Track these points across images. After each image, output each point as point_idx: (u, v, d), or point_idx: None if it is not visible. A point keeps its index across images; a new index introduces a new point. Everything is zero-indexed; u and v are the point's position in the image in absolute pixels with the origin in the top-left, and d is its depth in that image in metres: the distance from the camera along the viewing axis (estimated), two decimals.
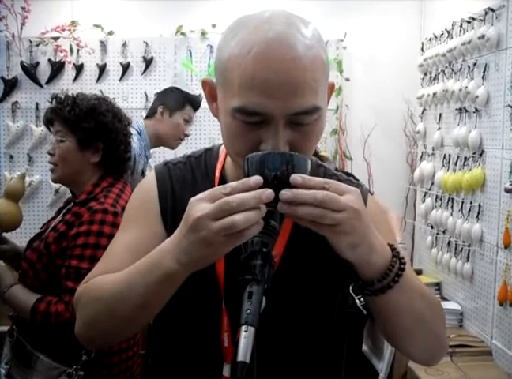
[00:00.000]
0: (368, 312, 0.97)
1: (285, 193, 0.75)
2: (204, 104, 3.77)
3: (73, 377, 1.60)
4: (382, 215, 1.04)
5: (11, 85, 3.78)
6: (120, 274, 0.89)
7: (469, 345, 2.79)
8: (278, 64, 0.80)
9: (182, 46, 3.87)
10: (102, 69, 3.83)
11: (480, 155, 2.85)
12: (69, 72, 3.83)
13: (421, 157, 3.70)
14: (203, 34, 3.84)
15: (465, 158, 3.00)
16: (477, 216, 2.87)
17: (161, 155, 3.85)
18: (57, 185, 3.73)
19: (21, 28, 3.69)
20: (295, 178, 0.76)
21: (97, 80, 3.84)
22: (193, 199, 0.77)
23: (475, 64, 2.92)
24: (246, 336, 0.70)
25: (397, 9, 3.93)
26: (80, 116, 1.74)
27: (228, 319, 0.94)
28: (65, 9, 3.81)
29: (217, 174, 1.01)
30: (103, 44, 3.82)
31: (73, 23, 3.78)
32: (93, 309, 0.92)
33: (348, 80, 3.87)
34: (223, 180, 1.00)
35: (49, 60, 3.79)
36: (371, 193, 1.08)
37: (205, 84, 0.94)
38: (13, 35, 3.71)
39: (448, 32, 3.25)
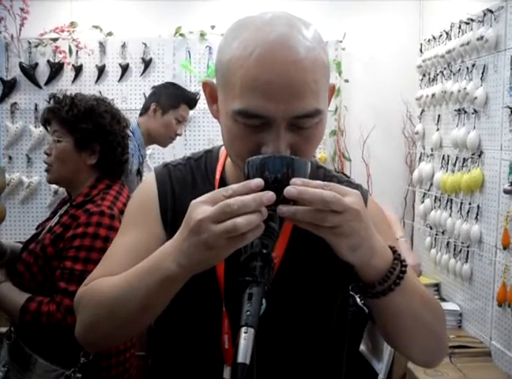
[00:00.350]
0: (369, 311, 0.97)
1: (289, 190, 0.75)
2: (203, 105, 3.77)
3: None
4: (383, 216, 1.03)
5: (10, 86, 3.78)
6: (120, 276, 0.89)
7: (468, 346, 2.79)
8: (280, 66, 0.80)
9: (181, 47, 3.87)
10: (101, 70, 3.83)
11: (479, 156, 2.85)
12: (68, 73, 3.83)
13: (420, 158, 3.70)
14: (202, 35, 3.85)
15: (464, 159, 3.00)
16: (476, 217, 2.87)
17: (160, 155, 3.85)
18: (56, 187, 3.73)
19: (20, 29, 3.69)
20: (296, 181, 0.76)
21: (96, 81, 3.84)
22: (194, 201, 0.77)
23: (473, 65, 2.92)
24: (246, 338, 0.70)
25: (396, 10, 3.94)
26: (78, 117, 1.72)
27: (229, 321, 0.94)
28: (64, 10, 3.81)
29: (217, 176, 1.00)
30: (102, 45, 3.82)
31: (72, 24, 3.78)
32: (93, 312, 0.91)
33: (346, 81, 3.87)
34: (223, 182, 1.00)
35: (48, 61, 3.79)
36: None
37: (206, 85, 0.93)
38: (12, 36, 3.71)
39: (447, 33, 3.26)
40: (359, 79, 3.94)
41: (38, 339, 1.64)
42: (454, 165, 3.11)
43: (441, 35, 3.35)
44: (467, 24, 2.99)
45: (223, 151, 1.04)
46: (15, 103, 3.80)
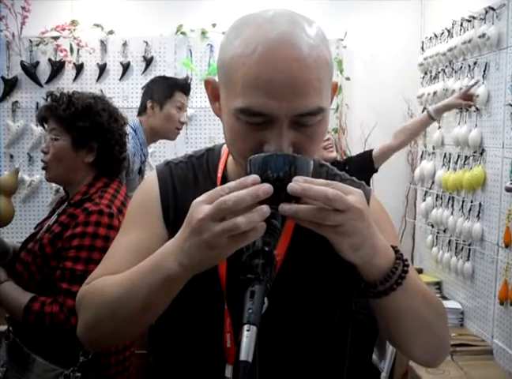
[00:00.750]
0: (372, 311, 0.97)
1: (293, 186, 0.74)
2: (205, 103, 3.78)
3: None
4: (385, 215, 1.03)
5: (11, 85, 3.78)
6: (122, 276, 0.89)
7: (470, 344, 2.79)
8: (283, 64, 0.79)
9: (183, 45, 3.87)
10: (102, 68, 3.83)
11: (481, 154, 2.85)
12: (69, 71, 3.82)
13: (421, 156, 3.70)
14: (203, 33, 3.84)
15: (466, 157, 3.00)
16: (478, 215, 2.87)
17: (161, 154, 3.85)
18: (57, 185, 3.72)
19: (21, 28, 3.69)
20: (298, 180, 0.75)
21: (97, 80, 3.84)
22: (195, 201, 0.77)
23: (475, 63, 2.92)
24: (248, 336, 0.69)
25: (398, 8, 3.93)
26: (76, 115, 1.71)
27: (231, 320, 0.93)
28: (66, 9, 3.81)
29: (219, 174, 1.00)
30: (103, 44, 3.82)
31: (73, 22, 3.78)
32: (95, 311, 0.91)
33: (348, 79, 3.87)
34: (225, 180, 0.99)
35: (49, 59, 3.79)
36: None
37: (208, 83, 0.93)
38: (13, 35, 3.71)
39: (448, 31, 3.25)
40: (361, 77, 3.93)
41: (37, 338, 1.63)
42: (456, 163, 3.11)
43: (442, 33, 3.35)
44: (468, 21, 2.98)
45: (224, 149, 1.03)
46: (16, 102, 3.80)
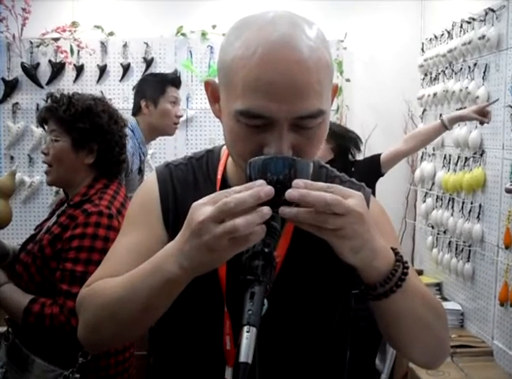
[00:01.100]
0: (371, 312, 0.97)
1: (291, 193, 0.74)
2: (205, 104, 3.78)
3: None
4: (385, 217, 1.03)
5: (12, 86, 3.78)
6: (122, 278, 0.89)
7: (470, 345, 2.79)
8: (283, 66, 0.79)
9: (183, 46, 3.87)
10: (102, 69, 3.83)
11: (481, 155, 2.85)
12: (69, 73, 3.83)
13: (422, 157, 3.70)
14: (203, 35, 3.85)
15: (466, 158, 3.00)
16: (478, 216, 2.87)
17: (161, 155, 3.85)
18: (58, 187, 3.73)
19: (22, 29, 3.70)
20: (297, 183, 0.75)
21: (98, 81, 3.84)
22: (195, 203, 0.76)
23: (475, 64, 2.92)
24: (248, 337, 0.69)
25: (398, 10, 3.93)
26: (76, 116, 1.71)
27: (230, 322, 0.93)
28: (66, 10, 3.81)
29: (219, 176, 1.00)
30: (103, 45, 3.83)
31: (74, 24, 3.78)
32: (95, 313, 0.91)
33: (348, 80, 3.87)
34: (224, 182, 0.99)
35: (49, 61, 3.79)
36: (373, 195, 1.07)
37: (208, 84, 0.93)
38: (14, 36, 3.71)
39: (448, 33, 3.26)
40: (361, 78, 3.93)
41: (36, 339, 1.63)
42: (456, 164, 3.11)
43: (442, 35, 3.35)
44: (468, 23, 2.99)
45: (224, 151, 1.03)
46: (17, 103, 3.80)
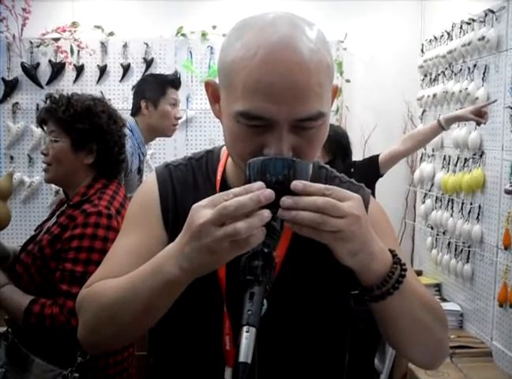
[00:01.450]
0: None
1: (286, 200, 0.75)
2: (205, 105, 3.78)
3: None
4: (384, 218, 1.03)
5: (12, 86, 3.78)
6: (122, 279, 0.89)
7: (469, 346, 2.79)
8: (284, 68, 0.79)
9: (183, 47, 3.87)
10: (102, 70, 3.83)
11: (480, 156, 2.85)
12: (69, 73, 3.83)
13: (421, 158, 3.70)
14: (203, 35, 3.85)
15: (465, 159, 3.00)
16: (477, 217, 2.87)
17: (161, 156, 3.85)
18: (57, 187, 3.73)
19: (22, 29, 3.70)
20: (296, 184, 0.76)
21: (98, 81, 3.84)
22: (195, 205, 0.77)
23: (475, 65, 2.92)
24: (247, 337, 0.69)
25: (397, 11, 3.94)
26: (75, 117, 1.71)
27: (230, 322, 0.93)
28: (66, 10, 3.81)
29: (219, 177, 1.00)
30: (103, 45, 3.83)
31: (74, 24, 3.78)
32: (96, 314, 0.91)
33: (348, 81, 3.87)
34: (224, 182, 0.99)
35: (49, 61, 3.79)
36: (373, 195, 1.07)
37: (208, 85, 0.93)
38: (14, 36, 3.71)
39: (448, 34, 3.26)
40: (361, 79, 3.94)
41: (35, 339, 1.63)
42: (455, 165, 3.11)
43: (442, 36, 3.35)
44: (468, 24, 2.99)
45: (224, 152, 1.03)
46: (16, 103, 3.80)
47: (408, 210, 3.96)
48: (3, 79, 3.77)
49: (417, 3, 3.92)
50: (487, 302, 2.81)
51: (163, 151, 3.85)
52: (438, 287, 3.39)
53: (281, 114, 0.80)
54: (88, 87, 3.77)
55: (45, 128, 1.80)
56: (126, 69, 3.84)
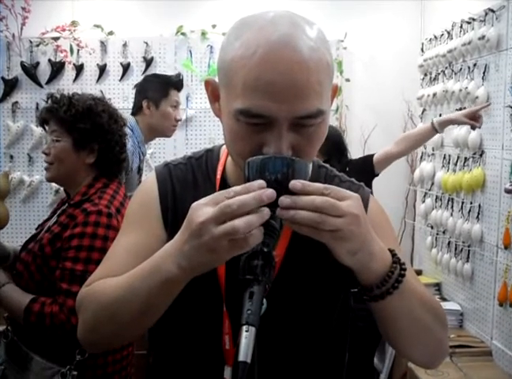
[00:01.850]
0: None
1: (284, 200, 0.75)
2: (205, 104, 3.78)
3: (66, 377, 1.59)
4: (384, 216, 1.03)
5: (11, 85, 3.78)
6: (122, 278, 0.89)
7: (469, 345, 2.79)
8: (283, 66, 0.79)
9: (183, 46, 3.87)
10: (102, 69, 3.83)
11: (480, 155, 2.85)
12: (69, 72, 3.83)
13: (421, 157, 3.70)
14: (203, 34, 3.84)
15: (465, 158, 3.00)
16: (477, 217, 2.87)
17: (161, 155, 3.85)
18: (57, 186, 3.73)
19: (21, 28, 3.69)
20: (295, 183, 0.76)
21: (97, 81, 3.84)
22: (195, 203, 0.77)
23: (475, 65, 2.92)
24: (247, 336, 0.69)
25: (397, 10, 3.93)
26: (77, 116, 1.72)
27: (229, 321, 0.93)
28: (66, 10, 3.81)
29: (218, 176, 1.00)
30: (103, 44, 3.82)
31: (74, 23, 3.78)
32: (95, 313, 0.91)
33: (348, 80, 3.87)
34: (224, 181, 0.99)
35: (49, 60, 3.79)
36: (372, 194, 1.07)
37: (208, 83, 0.93)
38: (14, 36, 3.71)
39: (448, 33, 3.26)
40: (361, 78, 3.93)
41: (35, 337, 1.64)
42: (455, 164, 3.11)
43: (442, 35, 3.35)
44: (468, 23, 2.99)
45: (224, 151, 1.03)
46: (16, 102, 3.80)
47: (408, 209, 3.96)
48: (3, 78, 3.77)
49: (417, 2, 3.92)
50: (487, 301, 2.81)
51: (163, 151, 3.84)
52: (438, 287, 3.39)
53: (281, 112, 0.80)
54: (88, 86, 3.77)
55: (46, 128, 1.81)
56: (126, 68, 3.84)
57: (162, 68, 3.85)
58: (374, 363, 2.73)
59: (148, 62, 3.85)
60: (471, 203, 2.94)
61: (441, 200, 3.35)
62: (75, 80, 3.82)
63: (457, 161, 3.10)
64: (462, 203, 3.03)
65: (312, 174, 0.83)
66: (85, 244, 1.59)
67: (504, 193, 2.59)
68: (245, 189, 0.75)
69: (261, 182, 0.76)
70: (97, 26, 3.79)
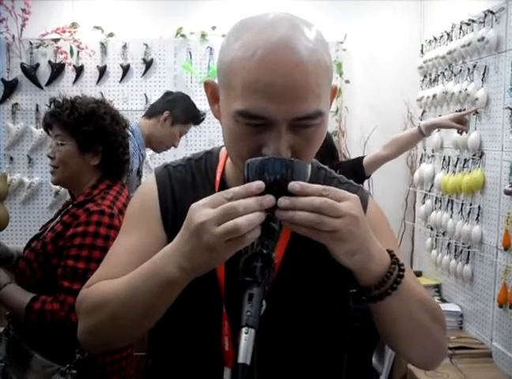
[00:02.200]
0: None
1: (283, 201, 0.76)
2: (205, 106, 3.77)
3: (66, 376, 1.61)
4: (383, 218, 1.03)
5: (11, 87, 3.78)
6: (122, 279, 0.89)
7: (469, 347, 2.79)
8: (282, 68, 0.80)
9: (182, 48, 3.87)
10: (102, 70, 3.83)
11: (480, 157, 2.85)
12: (69, 73, 3.83)
13: (421, 159, 3.70)
14: (203, 36, 3.85)
15: (465, 160, 3.00)
16: (477, 218, 2.87)
17: (161, 156, 3.85)
18: (57, 187, 3.73)
19: (21, 30, 3.69)
20: (294, 185, 0.76)
21: (97, 82, 3.84)
22: (194, 205, 0.77)
23: (474, 66, 2.92)
24: (246, 338, 0.70)
25: (397, 11, 3.94)
26: (80, 120, 1.75)
27: (229, 323, 0.93)
28: (66, 11, 3.81)
29: (218, 177, 1.00)
30: (103, 46, 3.83)
31: (74, 24, 3.78)
32: (96, 315, 0.91)
33: (347, 82, 3.87)
34: (223, 183, 1.00)
35: (49, 62, 3.79)
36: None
37: (207, 85, 0.93)
38: (14, 37, 3.71)
39: (448, 34, 3.26)
40: (360, 80, 3.94)
41: (35, 335, 1.66)
42: (455, 166, 3.11)
43: (442, 36, 3.35)
44: (468, 25, 2.99)
45: (223, 152, 1.03)
46: (16, 104, 3.80)
47: (408, 211, 3.96)
48: (3, 80, 3.77)
49: (417, 4, 3.92)
50: (487, 302, 2.80)
51: (163, 153, 3.84)
52: (437, 288, 3.39)
53: (280, 113, 0.81)
54: (88, 88, 3.77)
55: (50, 132, 1.84)
56: (126, 69, 3.84)
57: (162, 69, 3.86)
58: (373, 364, 2.73)
59: (148, 64, 3.85)
60: (471, 204, 2.94)
61: (441, 201, 3.36)
62: (75, 81, 3.82)
63: (456, 162, 3.10)
64: (462, 204, 3.03)
65: (311, 175, 0.83)
66: (87, 242, 1.61)
67: (504, 195, 2.59)
68: (243, 190, 0.75)
69: (259, 183, 0.76)
70: (97, 28, 3.79)
